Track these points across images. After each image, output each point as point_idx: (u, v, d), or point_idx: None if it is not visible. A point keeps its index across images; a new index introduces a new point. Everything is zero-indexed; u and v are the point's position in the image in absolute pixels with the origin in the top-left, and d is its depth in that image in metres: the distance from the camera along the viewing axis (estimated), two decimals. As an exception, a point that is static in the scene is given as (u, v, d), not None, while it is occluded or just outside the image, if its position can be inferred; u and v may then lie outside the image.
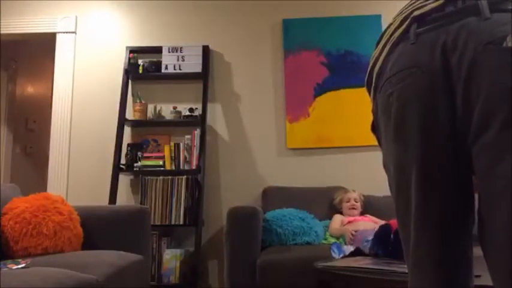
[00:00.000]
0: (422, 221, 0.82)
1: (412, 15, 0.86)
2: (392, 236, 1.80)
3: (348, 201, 2.83)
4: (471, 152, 0.77)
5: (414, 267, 0.84)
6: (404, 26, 0.87)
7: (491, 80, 0.72)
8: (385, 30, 0.95)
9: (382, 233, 1.82)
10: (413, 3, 0.90)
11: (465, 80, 0.75)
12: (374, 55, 0.95)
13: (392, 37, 0.90)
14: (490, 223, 0.74)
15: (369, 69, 0.97)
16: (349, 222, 2.69)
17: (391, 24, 0.94)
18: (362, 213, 2.82)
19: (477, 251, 0.82)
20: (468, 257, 0.82)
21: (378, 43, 0.96)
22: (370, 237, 1.88)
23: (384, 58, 0.90)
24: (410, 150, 0.82)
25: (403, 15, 0.90)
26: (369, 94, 0.98)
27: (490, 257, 0.75)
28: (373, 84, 0.94)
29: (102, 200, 3.12)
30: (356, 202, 2.82)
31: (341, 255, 1.90)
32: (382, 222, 2.65)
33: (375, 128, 0.98)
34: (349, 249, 1.95)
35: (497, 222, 0.71)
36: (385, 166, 0.93)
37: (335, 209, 2.88)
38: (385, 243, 1.79)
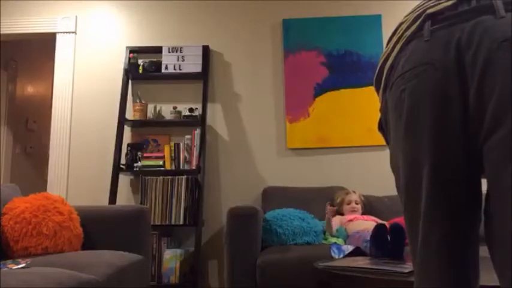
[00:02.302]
0: (432, 219, 0.81)
1: (425, 13, 0.86)
2: (389, 236, 1.80)
3: (348, 204, 2.83)
4: (482, 150, 0.76)
5: (421, 267, 0.83)
6: (417, 24, 0.87)
7: (505, 78, 0.72)
8: (397, 28, 0.95)
9: (378, 235, 1.82)
10: (426, 2, 0.90)
11: (479, 77, 0.75)
12: (385, 53, 0.95)
13: (405, 35, 0.90)
14: (499, 220, 0.74)
15: (378, 66, 0.96)
16: (350, 220, 2.69)
17: (402, 22, 0.94)
18: (363, 214, 2.82)
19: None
20: (476, 258, 0.82)
21: (389, 41, 0.96)
22: (368, 237, 1.88)
23: (396, 55, 0.90)
24: (421, 148, 0.82)
25: (416, 14, 0.90)
26: (377, 92, 0.98)
27: (497, 256, 0.74)
28: (382, 82, 0.94)
29: (102, 200, 3.13)
30: (357, 204, 2.82)
31: (341, 256, 1.90)
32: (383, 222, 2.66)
33: (382, 127, 0.97)
34: (348, 248, 1.95)
35: (506, 219, 0.71)
36: (392, 165, 0.93)
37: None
38: (382, 244, 1.79)
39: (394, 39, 0.93)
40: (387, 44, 0.96)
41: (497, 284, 0.75)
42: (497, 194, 0.74)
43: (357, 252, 1.91)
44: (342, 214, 2.83)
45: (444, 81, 0.79)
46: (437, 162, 0.80)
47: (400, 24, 0.94)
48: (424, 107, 0.81)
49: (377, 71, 0.97)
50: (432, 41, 0.82)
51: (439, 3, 0.85)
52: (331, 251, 1.93)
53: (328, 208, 2.65)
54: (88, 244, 2.09)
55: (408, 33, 0.89)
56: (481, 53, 0.75)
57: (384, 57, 0.95)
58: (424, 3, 0.91)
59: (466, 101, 0.77)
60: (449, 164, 0.79)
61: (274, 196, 2.97)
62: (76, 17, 3.48)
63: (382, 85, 0.94)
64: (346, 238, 2.58)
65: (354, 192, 2.90)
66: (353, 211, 2.79)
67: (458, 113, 0.78)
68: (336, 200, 2.90)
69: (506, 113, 0.72)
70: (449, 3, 0.84)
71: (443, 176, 0.80)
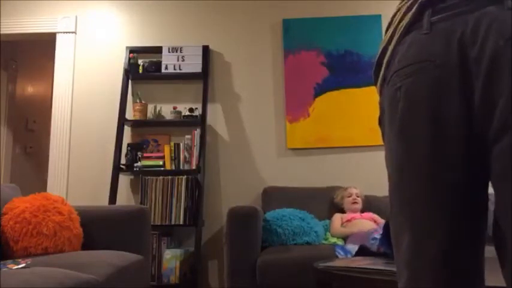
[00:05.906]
0: (426, 229, 0.74)
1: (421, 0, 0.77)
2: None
3: (349, 196, 2.83)
4: (490, 154, 0.69)
5: (410, 282, 0.77)
6: (413, 11, 0.78)
7: None
8: (393, 18, 0.86)
9: (388, 231, 1.80)
10: None
11: (485, 77, 0.67)
12: (382, 44, 0.87)
13: (401, 24, 0.80)
14: (507, 227, 0.67)
15: (376, 58, 0.89)
16: (348, 220, 2.69)
17: (397, 10, 0.84)
18: (362, 211, 2.82)
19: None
20: (479, 266, 0.74)
21: (386, 31, 0.87)
22: (377, 235, 1.86)
23: (393, 48, 0.82)
24: (415, 154, 0.75)
25: (411, 1, 0.80)
26: (376, 86, 0.90)
27: (506, 263, 0.69)
28: (380, 77, 0.86)
29: (102, 200, 3.12)
30: (358, 197, 2.82)
31: (348, 256, 1.88)
32: (382, 220, 2.66)
33: (381, 122, 0.90)
34: (354, 248, 1.93)
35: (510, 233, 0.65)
36: (386, 161, 0.86)
37: (335, 208, 2.88)
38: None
39: (391, 29, 0.84)
40: (384, 35, 0.88)
41: (502, 284, 0.72)
42: (503, 200, 0.68)
43: (362, 250, 1.89)
44: (342, 210, 2.83)
45: (444, 80, 0.71)
46: (432, 172, 0.73)
47: (395, 12, 0.85)
48: (421, 109, 0.73)
49: (375, 64, 0.89)
50: (432, 34, 0.74)
51: None
52: (336, 252, 1.92)
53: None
54: (88, 244, 2.09)
55: (404, 22, 0.79)
56: (487, 50, 0.67)
57: (381, 49, 0.87)
58: None
59: (469, 103, 0.70)
60: (447, 176, 0.72)
61: (274, 196, 2.97)
62: (76, 17, 3.48)
63: (380, 79, 0.87)
64: (346, 238, 2.59)
65: (355, 187, 2.90)
66: (355, 203, 2.79)
67: (460, 118, 0.71)
68: (336, 198, 2.90)
69: None
70: None
71: (438, 187, 0.73)
